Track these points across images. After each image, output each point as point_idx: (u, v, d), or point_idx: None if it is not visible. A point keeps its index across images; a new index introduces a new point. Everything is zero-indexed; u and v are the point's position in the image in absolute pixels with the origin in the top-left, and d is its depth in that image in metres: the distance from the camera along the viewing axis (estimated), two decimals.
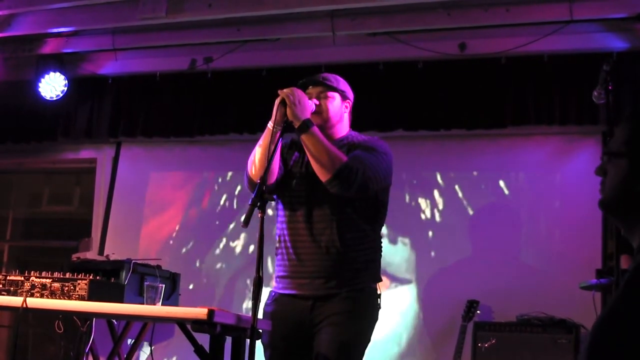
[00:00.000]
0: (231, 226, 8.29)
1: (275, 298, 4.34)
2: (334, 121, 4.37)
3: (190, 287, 8.03)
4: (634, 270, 1.96)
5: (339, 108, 4.39)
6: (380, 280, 4.39)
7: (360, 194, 4.16)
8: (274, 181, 4.18)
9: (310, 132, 4.05)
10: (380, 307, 4.34)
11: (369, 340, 4.28)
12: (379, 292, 4.34)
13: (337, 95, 4.40)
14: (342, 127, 4.44)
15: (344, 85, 4.49)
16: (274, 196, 4.35)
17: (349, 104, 4.49)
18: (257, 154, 4.17)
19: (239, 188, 8.31)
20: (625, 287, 1.93)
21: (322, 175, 4.06)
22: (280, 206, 4.39)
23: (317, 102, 4.29)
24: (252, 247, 8.10)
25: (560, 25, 7.03)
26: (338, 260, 4.18)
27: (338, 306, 4.15)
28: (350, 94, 4.51)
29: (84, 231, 8.75)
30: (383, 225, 4.52)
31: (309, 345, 4.20)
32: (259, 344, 3.87)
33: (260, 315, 3.84)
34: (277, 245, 4.38)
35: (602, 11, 6.95)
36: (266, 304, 4.37)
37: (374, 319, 4.32)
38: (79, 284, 4.53)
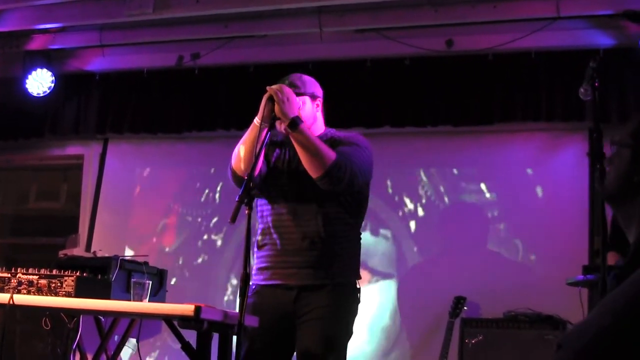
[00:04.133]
0: (218, 221, 8.29)
1: (255, 290, 4.34)
2: (308, 124, 4.34)
3: (179, 283, 8.03)
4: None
5: (311, 111, 4.36)
6: (360, 277, 4.41)
7: (348, 189, 4.18)
8: (257, 175, 4.17)
9: (300, 130, 4.04)
10: (360, 301, 4.36)
11: (351, 334, 4.30)
12: (358, 286, 4.36)
13: (307, 99, 4.36)
14: (318, 127, 4.42)
15: (310, 85, 4.42)
16: (261, 193, 4.37)
17: (319, 101, 4.44)
18: (242, 149, 4.18)
19: (226, 184, 8.31)
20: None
21: (313, 172, 4.06)
22: (263, 201, 4.40)
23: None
24: (232, 243, 8.11)
25: (547, 22, 7.05)
26: (324, 252, 4.20)
27: (323, 299, 4.16)
28: (318, 91, 4.46)
29: (71, 228, 8.74)
30: (363, 221, 4.53)
31: (290, 337, 4.22)
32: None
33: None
34: (260, 237, 4.38)
35: (588, 8, 6.97)
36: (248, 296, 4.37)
37: (355, 312, 4.34)
38: (66, 280, 4.52)
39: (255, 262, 4.39)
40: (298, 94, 4.30)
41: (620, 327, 1.84)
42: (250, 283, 4.38)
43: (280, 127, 4.20)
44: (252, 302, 4.29)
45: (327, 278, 4.19)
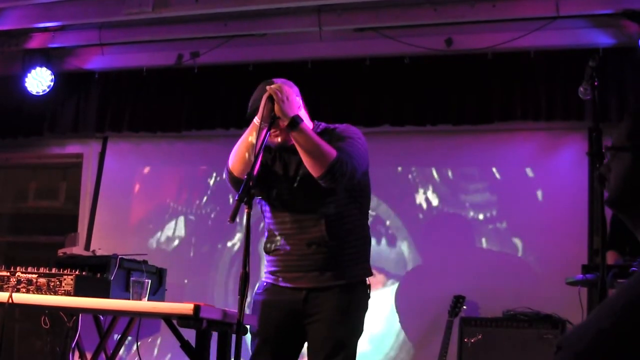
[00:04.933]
0: (217, 220, 8.29)
1: (266, 287, 4.35)
2: None
3: (178, 282, 8.02)
4: None
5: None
6: (371, 274, 4.40)
7: (349, 184, 4.18)
8: (255, 175, 4.15)
9: (300, 129, 4.04)
10: (369, 297, 4.37)
11: (362, 332, 4.31)
12: (368, 282, 4.36)
13: None
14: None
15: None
16: (261, 199, 4.38)
17: (299, 100, 4.42)
18: (241, 150, 4.18)
19: (226, 183, 8.30)
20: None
21: (315, 170, 4.05)
22: (265, 207, 4.40)
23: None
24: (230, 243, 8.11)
25: (547, 21, 7.05)
26: (330, 255, 4.20)
27: (332, 300, 4.17)
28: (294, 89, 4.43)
29: (71, 226, 8.73)
30: (368, 213, 4.52)
31: (300, 336, 4.24)
32: (245, 339, 3.88)
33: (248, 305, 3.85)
34: (268, 243, 4.38)
35: (588, 7, 6.98)
36: (256, 293, 4.39)
37: (365, 309, 4.35)
38: (65, 279, 4.52)
39: (266, 265, 4.40)
40: None
41: (619, 330, 1.84)
42: (263, 280, 4.42)
43: (274, 138, 4.20)
44: (262, 299, 4.31)
45: (336, 279, 4.20)
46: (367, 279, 4.36)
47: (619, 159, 2.14)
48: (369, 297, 4.36)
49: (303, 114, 4.37)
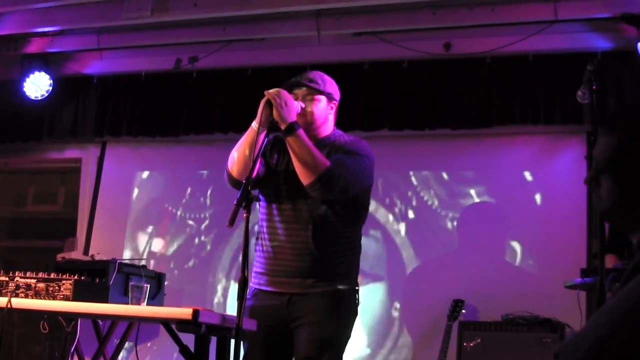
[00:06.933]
0: (216, 224, 8.28)
1: (254, 293, 4.37)
2: (318, 123, 4.35)
3: (176, 286, 8.02)
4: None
5: (324, 110, 4.36)
6: (357, 285, 4.40)
7: (340, 198, 4.18)
8: (254, 177, 4.16)
9: (296, 135, 4.04)
10: (359, 303, 4.37)
11: (349, 337, 4.31)
12: (356, 288, 4.36)
13: (323, 98, 4.36)
14: (327, 128, 4.42)
15: (330, 86, 4.43)
16: (259, 195, 4.37)
17: (335, 105, 4.45)
18: (239, 152, 4.19)
19: (224, 187, 8.29)
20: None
21: (305, 179, 4.06)
22: (262, 204, 4.41)
23: (303, 105, 4.27)
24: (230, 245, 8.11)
25: (545, 25, 7.05)
26: (313, 261, 4.21)
27: (316, 303, 4.18)
28: (337, 94, 4.47)
29: (69, 231, 8.72)
30: (363, 226, 4.53)
31: (288, 340, 4.25)
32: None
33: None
34: (256, 241, 4.40)
35: (586, 11, 6.97)
36: (246, 299, 4.40)
37: (353, 314, 4.35)
38: (63, 284, 4.51)
39: (253, 267, 4.40)
40: (316, 92, 4.31)
41: (617, 338, 1.83)
42: (250, 284, 4.41)
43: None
44: (250, 305, 4.31)
45: (318, 286, 4.21)
46: (354, 287, 4.37)
47: (604, 179, 2.15)
48: (357, 303, 4.37)
49: (331, 118, 4.42)
